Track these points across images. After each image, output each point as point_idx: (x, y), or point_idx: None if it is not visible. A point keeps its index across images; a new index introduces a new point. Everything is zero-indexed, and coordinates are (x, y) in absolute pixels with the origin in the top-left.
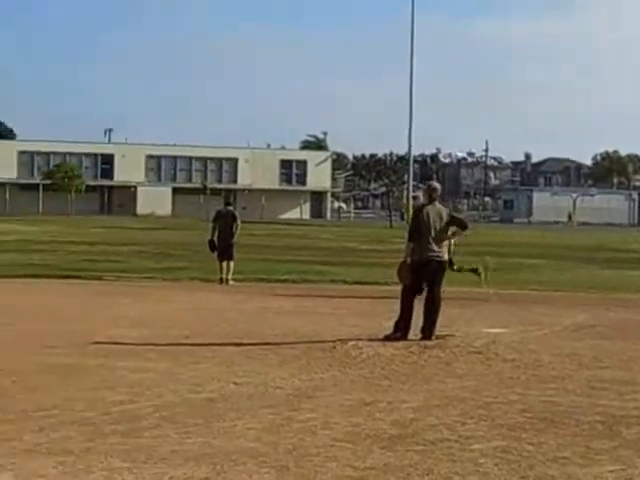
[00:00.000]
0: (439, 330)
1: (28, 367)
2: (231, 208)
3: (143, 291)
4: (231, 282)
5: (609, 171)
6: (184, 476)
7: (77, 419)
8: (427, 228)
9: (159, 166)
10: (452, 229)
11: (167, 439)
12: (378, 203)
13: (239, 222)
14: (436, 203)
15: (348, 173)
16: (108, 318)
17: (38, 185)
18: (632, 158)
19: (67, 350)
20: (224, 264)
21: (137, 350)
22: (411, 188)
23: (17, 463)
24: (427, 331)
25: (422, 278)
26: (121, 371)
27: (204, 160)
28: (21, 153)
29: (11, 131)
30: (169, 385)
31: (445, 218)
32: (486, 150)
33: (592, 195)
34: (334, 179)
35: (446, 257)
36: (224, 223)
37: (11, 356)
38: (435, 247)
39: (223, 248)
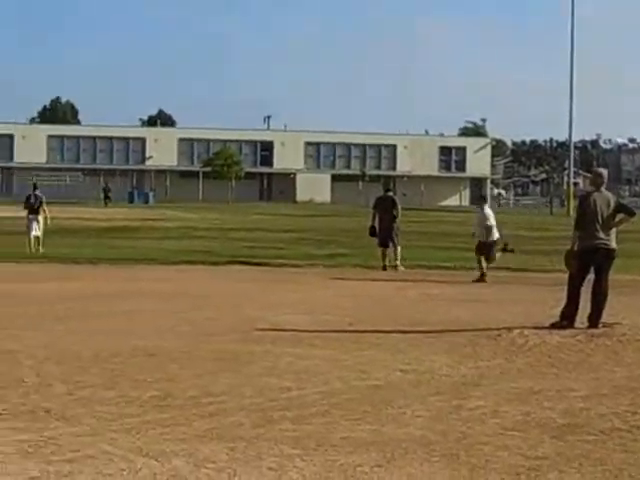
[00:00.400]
0: (605, 318)
1: (195, 354)
2: (391, 194)
3: (305, 278)
4: (400, 268)
5: None
6: (354, 463)
7: (246, 405)
8: (594, 215)
9: (318, 153)
10: (619, 216)
11: (336, 426)
12: (538, 190)
13: (399, 208)
14: (603, 190)
15: (507, 160)
16: (271, 304)
17: (198, 172)
18: None
19: (232, 337)
20: (386, 251)
21: (301, 337)
22: (572, 174)
23: (188, 449)
24: (594, 319)
25: (589, 266)
26: (287, 357)
27: (363, 147)
28: (181, 140)
29: (171, 118)
30: (335, 372)
31: (612, 205)
32: None
33: None
34: (493, 166)
35: (614, 245)
36: (384, 209)
37: (178, 343)
38: (603, 235)
39: (384, 235)
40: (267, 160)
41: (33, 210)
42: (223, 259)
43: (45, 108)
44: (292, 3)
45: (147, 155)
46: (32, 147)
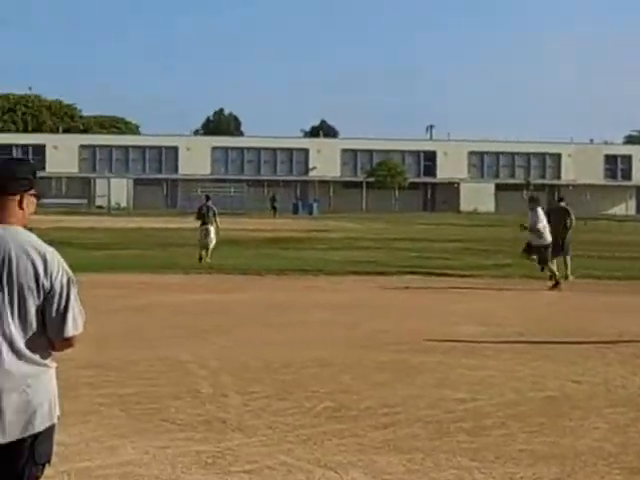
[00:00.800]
0: None
1: (366, 364)
2: (563, 204)
3: (472, 288)
4: (570, 278)
5: None
6: (534, 476)
7: (421, 417)
8: None
9: (482, 162)
10: None
11: (514, 438)
12: None
13: (573, 217)
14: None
15: None
16: (440, 315)
17: (361, 183)
18: None
19: (403, 347)
20: (558, 260)
21: (472, 347)
22: None
23: (365, 460)
24: None
25: None
26: (460, 369)
27: (527, 156)
28: (344, 151)
29: (333, 129)
30: (509, 383)
31: None
32: None
33: None
34: None
35: None
36: (556, 219)
37: (349, 353)
38: None
39: (556, 244)
40: (430, 170)
41: (205, 221)
42: (390, 269)
43: (208, 120)
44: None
45: (310, 166)
46: (196, 159)
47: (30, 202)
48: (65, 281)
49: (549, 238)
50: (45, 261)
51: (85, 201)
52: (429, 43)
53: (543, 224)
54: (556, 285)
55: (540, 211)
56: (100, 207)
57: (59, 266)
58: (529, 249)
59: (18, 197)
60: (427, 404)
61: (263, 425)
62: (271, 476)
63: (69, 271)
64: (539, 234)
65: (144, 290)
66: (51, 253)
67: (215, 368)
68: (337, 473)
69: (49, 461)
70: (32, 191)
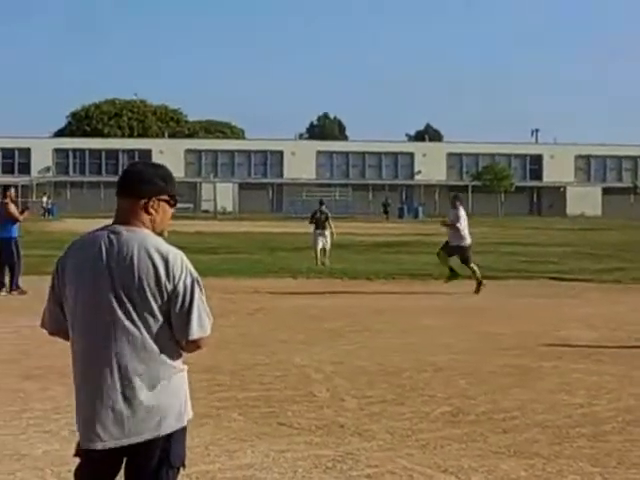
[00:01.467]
0: None
1: (482, 369)
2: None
3: (583, 292)
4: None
5: None
6: None
7: (539, 422)
8: None
9: (588, 166)
10: None
11: (635, 444)
12: None
13: None
14: None
15: None
16: (553, 319)
17: (467, 186)
18: None
19: (518, 352)
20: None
21: (588, 352)
22: None
23: (486, 465)
24: None
25: None
26: (576, 374)
27: (634, 159)
28: (450, 155)
29: (438, 133)
30: (627, 388)
31: None
32: None
33: None
34: None
35: None
36: None
37: (464, 357)
38: None
39: None
40: (536, 174)
41: (319, 225)
42: (499, 273)
43: (312, 124)
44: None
45: (416, 170)
46: (301, 163)
47: (160, 207)
48: (189, 282)
49: (468, 240)
50: (167, 262)
51: (191, 205)
52: (532, 46)
53: (463, 224)
54: (479, 285)
55: (462, 211)
56: (206, 211)
57: (182, 267)
58: (445, 247)
59: (144, 201)
60: (545, 409)
61: (381, 429)
62: None
63: (194, 273)
64: (458, 234)
65: (254, 294)
66: (174, 254)
67: (330, 372)
68: (458, 478)
69: (184, 464)
70: (163, 196)
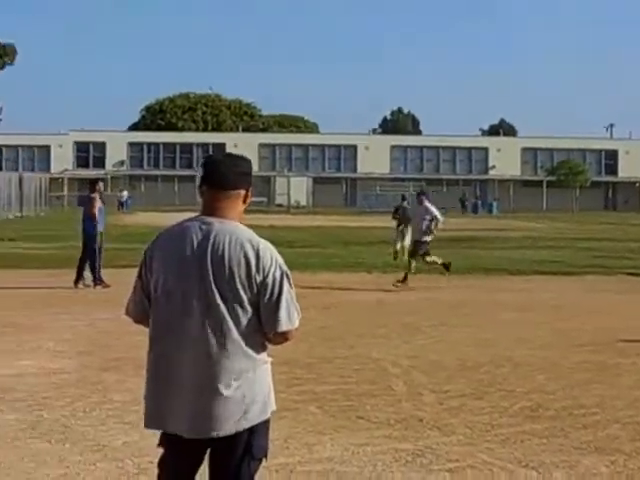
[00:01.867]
0: None
1: (560, 364)
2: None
3: None
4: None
5: None
6: None
7: (620, 418)
8: None
9: None
10: None
11: None
12: None
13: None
14: None
15: None
16: (632, 315)
17: (542, 182)
18: None
19: (595, 348)
20: None
21: None
22: None
23: (568, 461)
24: None
25: None
26: None
27: None
28: (524, 150)
29: (512, 128)
30: None
31: None
32: None
33: None
34: None
35: None
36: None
37: (542, 353)
38: None
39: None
40: (611, 169)
41: (401, 221)
42: (576, 269)
43: (385, 119)
44: None
45: (490, 165)
46: (375, 158)
47: (249, 198)
48: (278, 275)
49: (430, 237)
50: (258, 254)
51: (265, 199)
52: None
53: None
54: (404, 279)
55: (427, 204)
56: (280, 205)
57: (272, 260)
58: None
59: (242, 192)
60: (625, 405)
61: (460, 424)
62: (473, 475)
63: (284, 265)
64: (421, 229)
65: (329, 288)
66: (265, 246)
67: (408, 366)
68: (539, 473)
69: (266, 456)
70: (251, 188)
